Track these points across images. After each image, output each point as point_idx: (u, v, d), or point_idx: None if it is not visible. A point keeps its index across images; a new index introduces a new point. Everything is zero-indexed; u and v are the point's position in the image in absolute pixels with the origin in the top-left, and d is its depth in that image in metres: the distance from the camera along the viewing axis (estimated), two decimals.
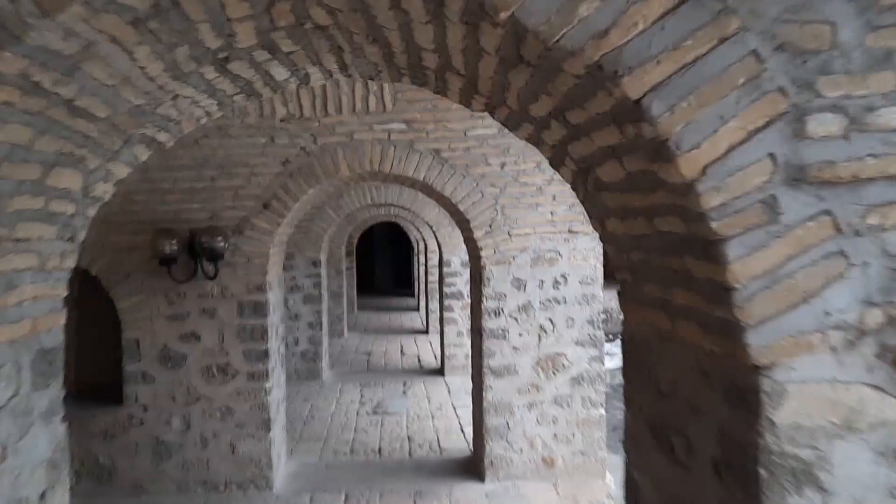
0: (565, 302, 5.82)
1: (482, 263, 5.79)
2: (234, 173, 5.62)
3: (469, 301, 10.30)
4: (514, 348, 5.81)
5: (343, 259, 14.76)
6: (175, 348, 5.70)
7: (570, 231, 5.80)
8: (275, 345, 6.01)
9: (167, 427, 5.68)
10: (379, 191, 10.07)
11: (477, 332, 6.00)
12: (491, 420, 5.79)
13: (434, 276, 14.71)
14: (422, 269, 18.41)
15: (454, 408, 8.53)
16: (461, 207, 5.73)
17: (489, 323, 5.79)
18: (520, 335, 5.80)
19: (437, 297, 14.43)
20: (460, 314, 10.30)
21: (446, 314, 10.31)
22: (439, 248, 10.49)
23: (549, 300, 5.82)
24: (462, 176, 5.68)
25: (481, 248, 5.78)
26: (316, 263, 10.14)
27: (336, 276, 14.37)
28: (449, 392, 9.39)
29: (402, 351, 13.00)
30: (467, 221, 5.78)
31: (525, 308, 5.81)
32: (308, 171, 5.62)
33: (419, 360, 11.93)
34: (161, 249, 5.48)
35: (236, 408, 5.72)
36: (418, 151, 5.62)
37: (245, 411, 5.73)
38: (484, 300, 5.80)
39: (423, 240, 15.05)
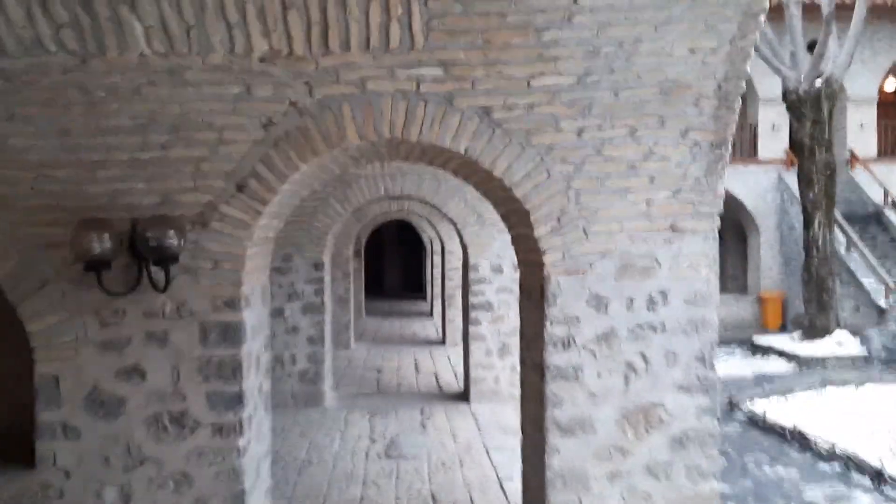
0: (664, 329, 4.10)
1: (545, 273, 4.08)
2: (195, 139, 3.91)
3: (500, 314, 8.62)
4: (591, 394, 4.09)
5: (350, 260, 13.12)
6: (110, 389, 4.01)
7: (672, 228, 4.08)
8: (254, 383, 4.31)
9: (97, 502, 3.99)
10: (394, 179, 8.37)
11: (535, 370, 4.29)
12: (557, 497, 4.07)
13: (454, 281, 13.06)
14: (436, 271, 16.76)
15: (487, 451, 6.81)
16: (517, 193, 4.01)
17: (555, 357, 4.07)
18: (598, 376, 4.08)
19: (461, 305, 12.76)
20: (489, 329, 8.59)
21: (472, 328, 8.60)
22: (464, 249, 8.78)
23: (642, 327, 4.09)
24: (520, 147, 3.95)
25: (544, 252, 4.06)
26: (318, 266, 8.45)
27: (342, 279, 12.74)
28: (478, 426, 7.67)
29: (416, 367, 11.30)
30: (525, 213, 4.06)
31: (606, 338, 4.09)
32: (301, 137, 3.91)
33: (437, 380, 10.22)
34: (88, 248, 3.78)
35: (196, 475, 4.02)
36: (459, 111, 3.90)
37: (208, 479, 4.03)
38: (547, 325, 4.08)
39: (441, 240, 13.35)
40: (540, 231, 4.05)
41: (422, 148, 4.24)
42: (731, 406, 10.61)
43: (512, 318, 8.56)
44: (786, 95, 15.79)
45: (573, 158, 3.99)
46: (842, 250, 17.13)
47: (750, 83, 19.23)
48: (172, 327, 4.03)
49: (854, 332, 15.04)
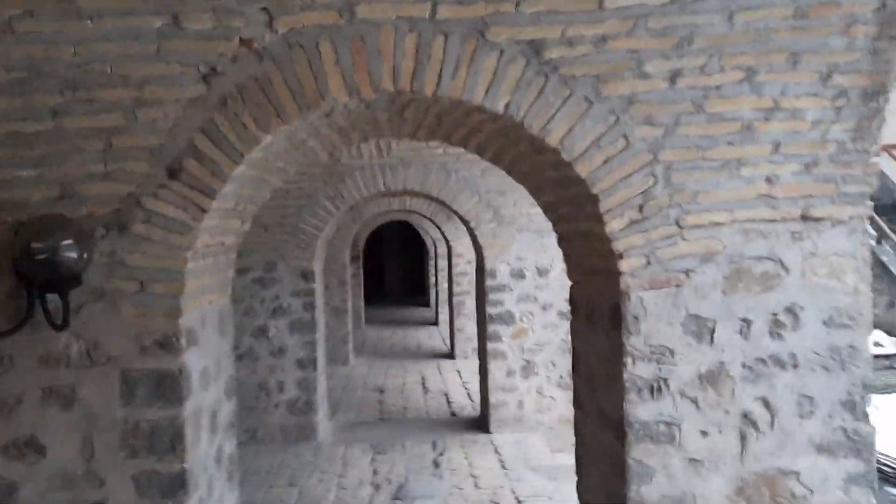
0: (795, 364, 2.82)
1: (621, 286, 2.80)
2: (101, 100, 2.65)
3: (523, 326, 7.33)
4: (692, 461, 2.81)
5: (347, 266, 11.84)
6: None
7: (804, 217, 2.80)
8: (206, 452, 3.04)
9: None
10: (395, 172, 7.09)
11: (606, 425, 3.01)
12: None
13: (462, 286, 11.79)
14: (441, 275, 15.48)
15: (518, 501, 5.51)
16: (580, 170, 2.74)
17: (639, 409, 2.79)
18: (703, 434, 2.81)
19: (470, 313, 11.49)
20: (510, 345, 7.31)
21: (490, 345, 7.31)
22: (478, 251, 7.50)
23: (763, 361, 2.82)
24: (586, 101, 2.68)
25: (620, 255, 2.78)
26: (307, 275, 7.17)
27: (338, 287, 11.48)
28: (502, 463, 6.39)
29: (424, 385, 10.00)
30: (590, 200, 2.79)
31: (713, 379, 2.81)
32: (260, 94, 2.64)
33: (449, 402, 8.94)
34: None
35: None
36: (496, 47, 2.63)
37: None
38: (627, 363, 2.80)
39: (447, 240, 12.07)
40: (614, 226, 2.78)
41: (439, 111, 2.96)
42: None
43: (537, 332, 7.28)
44: None
45: (663, 117, 2.71)
46: (872, 243, 15.88)
47: None
48: (81, 379, 2.76)
49: (890, 332, 13.76)
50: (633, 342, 2.81)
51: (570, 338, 7.25)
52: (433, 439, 7.21)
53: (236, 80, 2.63)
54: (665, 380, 2.81)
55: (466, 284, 11.82)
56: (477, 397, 8.62)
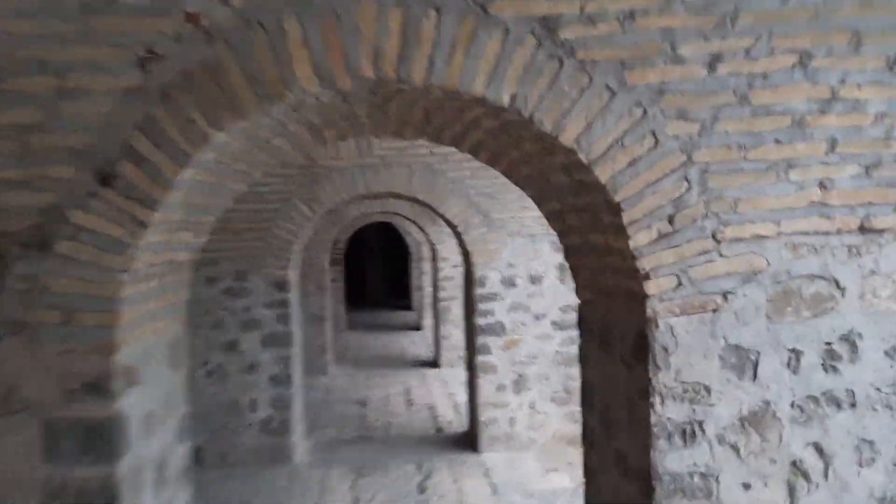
0: (852, 403, 2.39)
1: (648, 311, 2.34)
2: (15, 92, 2.14)
3: (514, 337, 6.87)
4: None
5: (327, 270, 11.34)
6: None
7: (863, 228, 2.36)
8: None
9: None
10: (377, 173, 6.60)
11: (629, 475, 2.56)
12: None
13: (447, 292, 11.35)
14: (425, 278, 15.01)
15: None
16: (600, 174, 2.28)
17: (669, 459, 2.34)
18: (744, 487, 2.37)
19: (455, 319, 11.05)
20: (501, 357, 6.84)
21: (480, 358, 6.84)
22: (466, 258, 7.04)
23: (815, 399, 2.38)
24: (607, 91, 2.22)
25: (646, 275, 2.33)
26: (282, 285, 6.66)
27: (317, 293, 10.98)
28: (494, 489, 5.93)
29: (408, 397, 9.52)
30: (611, 209, 2.34)
31: (757, 421, 2.37)
32: (210, 82, 2.15)
33: (435, 416, 8.46)
34: None
35: None
36: (499, 25, 2.16)
37: None
38: (655, 403, 2.35)
39: (432, 244, 11.61)
40: (639, 240, 2.32)
41: (428, 105, 2.49)
42: None
43: (529, 343, 6.81)
44: None
45: (699, 110, 2.26)
46: None
47: None
48: None
49: None
50: (663, 378, 2.36)
51: (564, 349, 6.87)
52: (419, 460, 6.74)
53: (181, 65, 2.14)
54: (700, 423, 2.37)
55: (452, 289, 11.36)
56: (464, 409, 8.16)
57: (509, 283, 6.81)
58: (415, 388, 10.03)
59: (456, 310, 11.08)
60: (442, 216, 6.84)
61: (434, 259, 11.76)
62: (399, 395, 9.69)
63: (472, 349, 7.13)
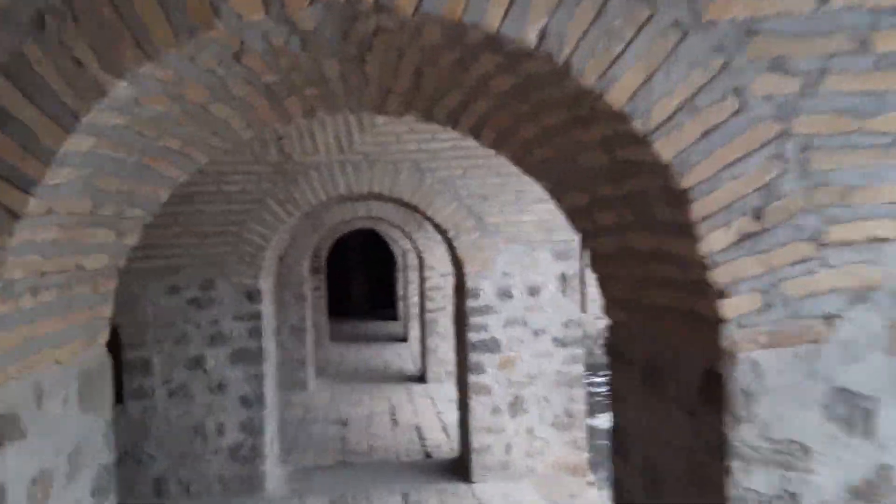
0: None
1: (725, 341, 1.70)
2: None
3: (510, 355, 6.21)
4: None
5: (306, 280, 10.65)
6: None
7: None
8: None
9: None
10: (358, 171, 5.94)
11: None
12: None
13: (435, 302, 10.71)
14: (411, 287, 14.34)
15: None
16: (660, 147, 1.63)
17: None
18: None
19: (443, 332, 10.41)
20: (496, 377, 6.17)
21: (473, 378, 6.17)
22: (457, 266, 6.38)
23: None
24: (675, 30, 1.58)
25: (722, 291, 1.68)
26: (253, 295, 5.98)
27: (296, 303, 10.30)
28: None
29: (393, 417, 8.83)
30: (675, 196, 1.69)
31: (872, 491, 1.73)
32: (106, 8, 1.47)
33: (422, 438, 7.78)
34: None
35: None
36: None
37: None
38: (735, 467, 1.70)
39: (419, 251, 10.95)
40: (713, 242, 1.68)
41: (419, 55, 1.83)
42: None
43: (527, 361, 6.15)
44: None
45: (802, 60, 1.62)
46: None
47: None
48: None
49: None
50: (744, 434, 1.71)
51: (567, 369, 6.21)
52: (404, 489, 6.05)
53: None
54: (794, 496, 1.72)
55: (440, 300, 10.71)
56: (453, 430, 7.49)
57: (505, 294, 6.14)
58: (400, 407, 9.34)
59: (444, 322, 10.43)
60: (430, 220, 6.17)
61: (421, 268, 11.10)
62: (383, 413, 9.00)
63: (463, 367, 6.47)
